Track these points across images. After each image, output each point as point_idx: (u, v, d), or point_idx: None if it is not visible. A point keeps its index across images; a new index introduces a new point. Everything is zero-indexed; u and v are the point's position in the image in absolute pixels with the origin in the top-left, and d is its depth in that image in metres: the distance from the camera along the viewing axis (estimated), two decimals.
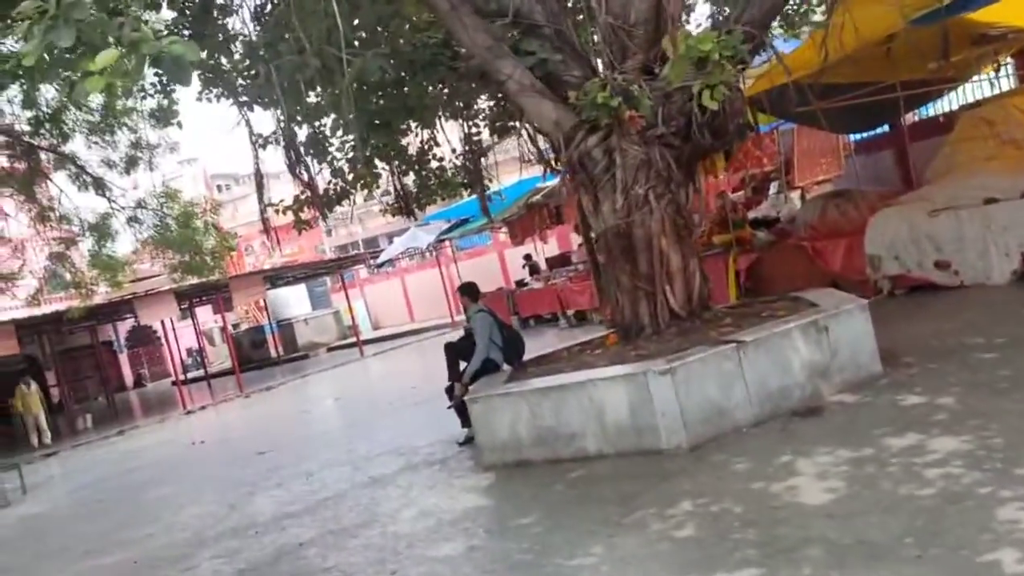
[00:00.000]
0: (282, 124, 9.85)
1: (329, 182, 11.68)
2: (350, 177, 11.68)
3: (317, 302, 32.64)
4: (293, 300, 31.36)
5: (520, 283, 21.08)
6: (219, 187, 60.13)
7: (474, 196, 15.73)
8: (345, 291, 26.57)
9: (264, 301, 30.11)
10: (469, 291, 8.90)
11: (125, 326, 35.80)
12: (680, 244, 7.69)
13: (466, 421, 8.18)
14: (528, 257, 21.61)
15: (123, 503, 10.04)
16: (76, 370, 31.66)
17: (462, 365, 8.49)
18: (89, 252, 14.89)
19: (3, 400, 28.04)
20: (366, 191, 11.69)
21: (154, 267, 28.51)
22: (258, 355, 30.48)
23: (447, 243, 26.63)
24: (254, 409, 17.94)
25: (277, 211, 11.36)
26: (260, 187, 11.17)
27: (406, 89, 9.16)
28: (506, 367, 8.28)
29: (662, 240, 7.63)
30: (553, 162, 10.28)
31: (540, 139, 10.80)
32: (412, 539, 5.74)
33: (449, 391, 8.58)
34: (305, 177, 10.82)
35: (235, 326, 39.20)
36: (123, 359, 36.57)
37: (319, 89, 9.75)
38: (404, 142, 11.17)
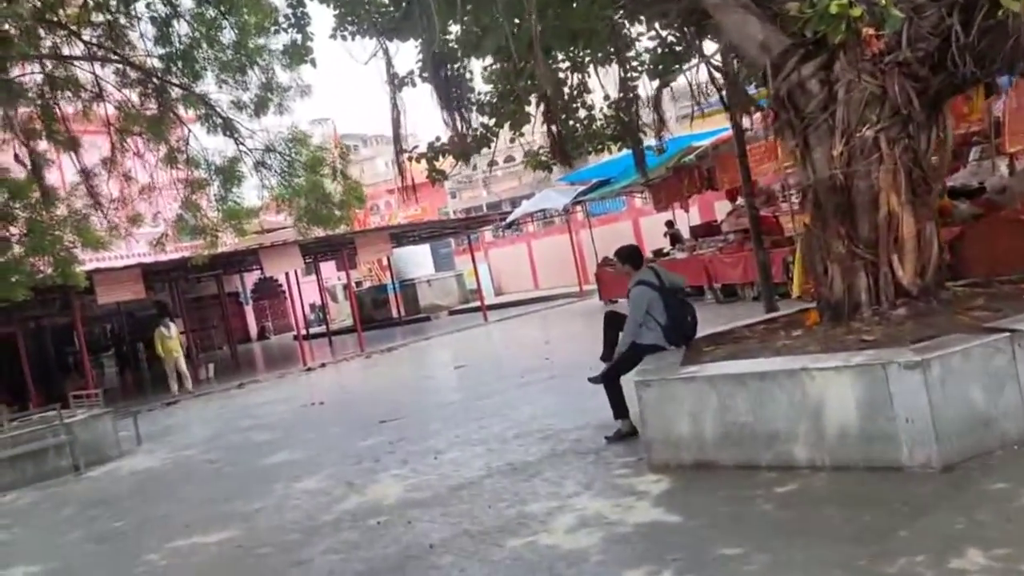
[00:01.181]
0: (431, 50, 8.64)
1: (469, 127, 10.52)
2: (491, 122, 10.51)
3: (441, 264, 31.89)
4: (417, 261, 30.69)
5: (660, 252, 19.48)
6: (347, 147, 60.47)
7: (619, 153, 14.33)
8: (471, 253, 25.60)
9: (388, 260, 29.56)
10: (627, 256, 7.49)
11: (251, 278, 36.15)
12: (915, 204, 6.05)
13: (620, 412, 6.85)
14: (670, 224, 19.97)
15: (235, 466, 9.23)
16: (203, 319, 32.12)
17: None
18: (215, 197, 14.22)
19: (136, 344, 28.69)
20: (512, 133, 10.45)
21: (280, 217, 28.35)
22: (379, 314, 30.04)
23: (577, 208, 25.25)
24: (375, 370, 17.16)
25: (411, 159, 10.31)
26: (396, 128, 10.07)
27: (574, 3, 7.76)
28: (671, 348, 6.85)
29: (891, 197, 6.01)
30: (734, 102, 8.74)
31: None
32: (576, 560, 4.46)
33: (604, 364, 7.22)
34: (448, 115, 9.66)
35: (357, 284, 39.10)
36: (248, 311, 37.00)
37: (467, 15, 8.54)
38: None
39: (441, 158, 10.52)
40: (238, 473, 8.78)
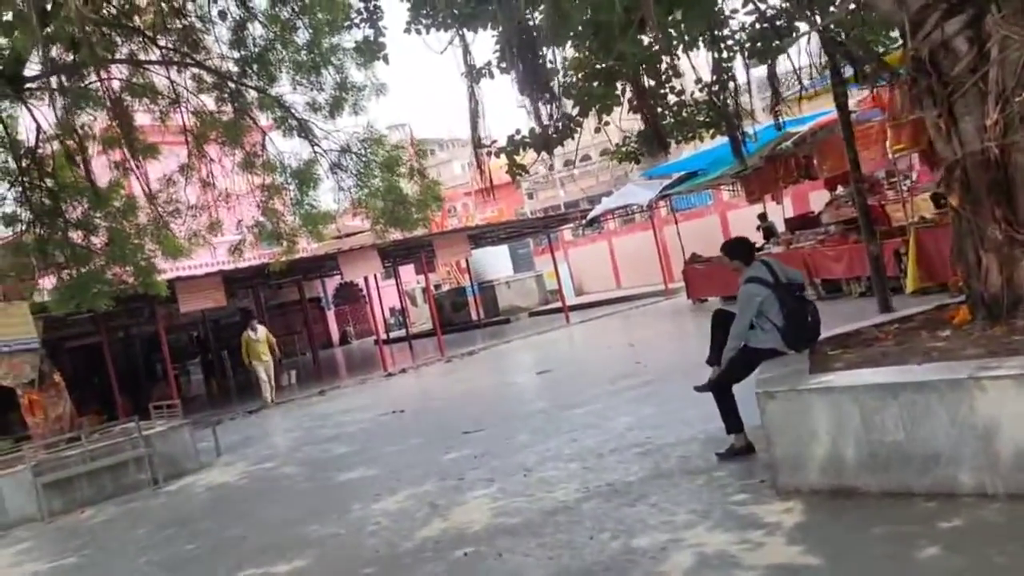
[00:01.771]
0: (511, 36, 8.01)
1: (551, 117, 9.86)
2: (575, 110, 9.83)
3: (519, 265, 31.27)
4: (495, 262, 30.14)
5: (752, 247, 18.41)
6: (424, 149, 60.50)
7: (706, 145, 13.43)
8: (552, 253, 24.91)
9: (467, 262, 29.11)
10: (736, 250, 6.67)
11: (332, 283, 36.24)
12: None
13: (733, 425, 6.05)
14: (763, 217, 18.88)
15: (313, 482, 8.74)
16: (286, 325, 32.26)
17: None
18: (292, 201, 13.90)
19: (222, 352, 28.94)
20: (598, 121, 9.75)
21: (358, 221, 28.20)
22: (459, 317, 29.61)
23: (661, 204, 24.30)
24: (456, 376, 16.63)
25: (490, 154, 9.71)
26: (475, 120, 9.47)
27: None
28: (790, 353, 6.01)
29: None
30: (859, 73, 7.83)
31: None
32: None
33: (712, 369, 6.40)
34: (530, 103, 9.00)
35: (436, 287, 38.86)
36: (330, 316, 37.12)
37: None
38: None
39: (522, 152, 9.88)
40: (316, 490, 8.28)
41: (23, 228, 13.33)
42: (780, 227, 18.44)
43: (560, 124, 9.76)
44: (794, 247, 15.74)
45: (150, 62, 13.10)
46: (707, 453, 6.26)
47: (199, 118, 13.96)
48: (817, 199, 19.80)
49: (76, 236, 13.49)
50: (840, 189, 16.68)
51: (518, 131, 9.65)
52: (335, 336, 36.86)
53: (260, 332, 17.76)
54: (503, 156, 9.71)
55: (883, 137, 13.71)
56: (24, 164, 13.19)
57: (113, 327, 24.60)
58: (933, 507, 4.29)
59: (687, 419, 7.54)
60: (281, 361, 25.81)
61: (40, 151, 13.33)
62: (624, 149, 11.46)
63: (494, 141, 9.93)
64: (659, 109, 10.49)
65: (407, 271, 33.31)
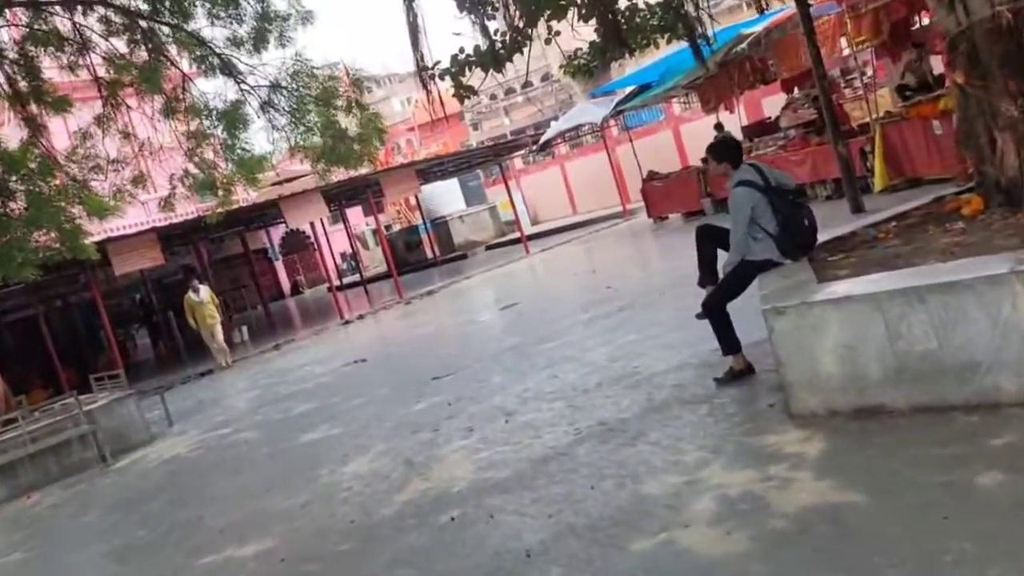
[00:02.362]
0: None
1: (496, 32, 9.09)
2: (522, 22, 9.03)
3: (471, 198, 30.42)
4: (446, 197, 29.27)
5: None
6: (359, 83, 58.48)
7: (656, 55, 12.71)
8: (505, 182, 24.12)
9: (417, 199, 28.24)
10: (723, 152, 6.05)
11: (278, 232, 35.10)
12: None
13: (730, 346, 5.51)
14: (719, 127, 18.23)
15: (274, 447, 8.09)
16: (233, 279, 31.17)
17: (722, 258, 5.76)
18: (222, 146, 12.89)
19: (168, 313, 27.82)
20: (548, 30, 8.96)
21: (298, 165, 27.14)
22: (414, 257, 28.83)
23: (611, 124, 23.58)
24: (417, 318, 15.99)
25: (433, 76, 8.88)
26: (415, 36, 8.65)
27: None
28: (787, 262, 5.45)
29: None
30: None
31: None
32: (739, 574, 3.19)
33: (705, 291, 5.82)
34: (475, 16, 8.23)
35: (387, 228, 37.90)
36: (279, 266, 36.05)
37: None
38: None
39: (468, 72, 9.07)
40: (278, 455, 7.64)
41: None
42: (737, 136, 17.88)
43: (507, 37, 8.98)
44: (755, 155, 15.17)
45: (51, 2, 11.89)
46: (703, 379, 5.72)
47: (111, 64, 12.81)
48: (770, 104, 19.24)
49: None
50: (796, 91, 16.14)
51: (462, 49, 8.85)
52: (286, 287, 35.87)
53: (203, 293, 16.12)
54: (447, 79, 8.93)
55: (838, 31, 13.13)
56: None
57: (49, 296, 23.39)
58: (975, 421, 3.80)
59: (672, 343, 7.02)
60: (231, 318, 24.90)
61: None
62: (576, 63, 10.74)
63: (437, 62, 9.10)
64: (609, 16, 9.75)
65: (355, 214, 32.27)
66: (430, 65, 8.84)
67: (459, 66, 8.82)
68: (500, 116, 55.78)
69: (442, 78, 8.98)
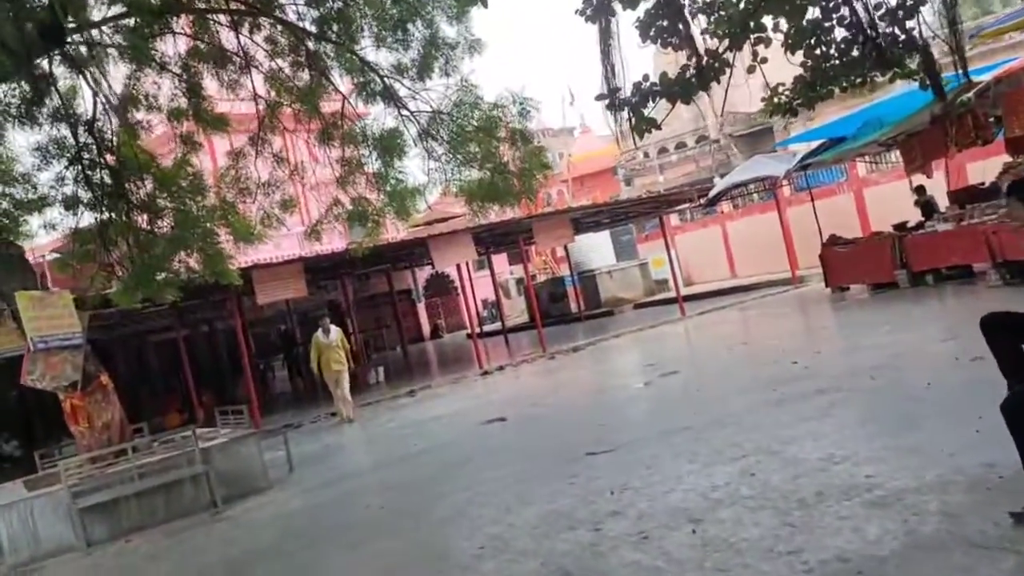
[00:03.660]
0: None
1: (689, 57, 7.78)
2: (722, 46, 7.72)
3: (621, 253, 28.99)
4: (595, 250, 27.94)
5: (903, 226, 15.78)
6: (529, 104, 58.45)
7: (857, 105, 11.04)
8: (665, 236, 22.62)
9: (566, 250, 27.10)
10: None
11: (423, 274, 34.83)
12: None
13: None
14: (921, 191, 16.15)
15: (397, 518, 6.86)
16: (376, 318, 30.93)
17: None
18: (375, 176, 12.11)
19: (309, 347, 27.73)
20: (753, 56, 7.60)
21: (450, 205, 26.64)
22: (556, 309, 27.58)
23: (783, 184, 21.71)
24: (561, 375, 14.64)
25: (614, 106, 7.64)
26: (609, 62, 7.48)
27: None
28: None
29: None
30: None
31: None
32: None
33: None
34: (666, 38, 6.99)
35: (532, 278, 36.99)
36: (421, 308, 35.71)
37: None
38: None
39: (651, 103, 7.79)
40: (400, 533, 6.38)
41: (83, 211, 12.02)
42: (941, 202, 15.75)
43: (704, 62, 7.64)
44: (968, 223, 13.11)
45: (214, 10, 11.51)
46: (987, 509, 4.06)
47: (272, 83, 12.37)
48: (977, 172, 16.93)
49: (140, 220, 12.11)
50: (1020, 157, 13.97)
51: (646, 77, 7.61)
52: (426, 330, 35.43)
53: (333, 334, 14.18)
54: (624, 119, 7.68)
55: None
56: (83, 139, 11.83)
57: (195, 320, 23.59)
58: None
59: (917, 447, 5.35)
60: (371, 357, 24.38)
61: (99, 123, 11.91)
62: (778, 100, 9.27)
63: (617, 89, 7.88)
64: (819, 50, 8.30)
65: (499, 261, 31.49)
66: (615, 92, 7.64)
67: (642, 96, 7.58)
68: (654, 173, 54.43)
69: (622, 110, 7.76)
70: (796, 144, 18.15)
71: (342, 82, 12.67)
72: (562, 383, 13.62)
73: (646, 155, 58.86)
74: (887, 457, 5.31)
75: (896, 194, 19.99)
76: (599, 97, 7.84)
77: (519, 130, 11.41)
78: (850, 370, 8.60)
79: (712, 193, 19.41)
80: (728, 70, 7.85)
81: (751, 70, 8.15)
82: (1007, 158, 15.47)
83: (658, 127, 8.37)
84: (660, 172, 55.06)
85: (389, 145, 11.63)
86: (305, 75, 12.41)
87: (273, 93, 12.41)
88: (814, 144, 16.18)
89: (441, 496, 7.10)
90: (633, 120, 7.98)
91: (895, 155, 19.78)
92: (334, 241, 19.51)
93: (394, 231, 29.88)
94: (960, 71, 8.45)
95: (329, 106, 13.07)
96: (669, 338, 16.74)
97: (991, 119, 13.12)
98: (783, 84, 9.23)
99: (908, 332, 10.46)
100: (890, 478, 4.88)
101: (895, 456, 5.29)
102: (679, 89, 7.59)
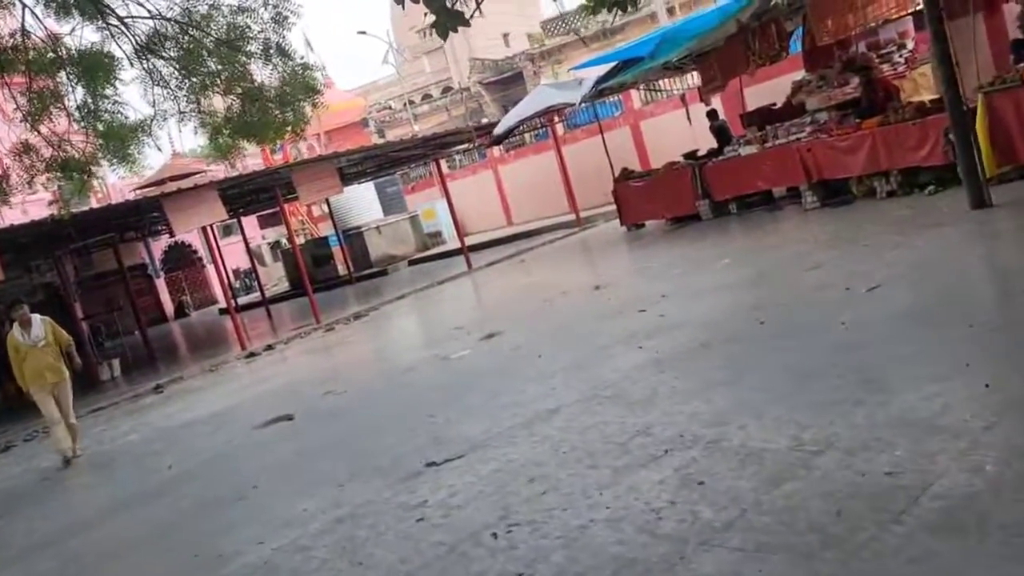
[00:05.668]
0: None
1: None
2: None
3: (389, 206, 26.65)
4: (360, 204, 25.41)
5: (693, 155, 14.93)
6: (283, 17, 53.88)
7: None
8: (443, 183, 20.61)
9: (329, 206, 24.37)
10: None
11: (160, 246, 30.51)
12: None
13: None
14: (714, 115, 15.32)
15: None
16: (107, 300, 26.36)
17: None
18: (81, 110, 8.97)
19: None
20: None
21: (188, 157, 23.17)
22: (323, 273, 24.81)
23: (555, 120, 20.48)
24: (350, 350, 12.30)
25: None
26: None
27: None
28: None
29: None
30: None
31: None
32: None
33: None
34: None
35: (277, 244, 33.72)
36: (160, 285, 31.34)
37: None
38: None
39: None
40: None
41: None
42: (735, 126, 15.03)
43: None
44: (777, 144, 12.26)
45: None
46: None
47: None
48: (754, 96, 16.37)
49: None
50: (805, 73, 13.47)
51: None
52: (169, 309, 31.18)
53: (38, 329, 8.86)
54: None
55: None
56: None
57: None
58: None
59: (905, 415, 3.76)
60: (102, 345, 20.37)
61: None
62: None
63: None
64: None
65: (249, 225, 28.03)
66: None
67: None
68: (406, 125, 52.35)
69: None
70: (586, 70, 16.81)
71: None
72: (354, 361, 11.30)
73: (390, 107, 56.62)
74: (896, 440, 3.67)
75: (672, 126, 19.35)
76: None
77: (275, 42, 8.81)
78: (725, 315, 7.10)
79: (500, 128, 17.57)
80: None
81: None
82: (785, 79, 15.02)
83: (467, 24, 6.35)
84: (415, 121, 53.04)
85: (93, 65, 8.58)
86: None
87: None
88: (604, 69, 14.82)
89: (218, 562, 4.66)
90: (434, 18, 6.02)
91: (673, 82, 19.11)
92: (40, 210, 15.56)
93: (118, 194, 25.31)
94: None
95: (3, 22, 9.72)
96: (465, 295, 14.86)
97: (806, 24, 12.41)
98: None
99: (755, 266, 9.26)
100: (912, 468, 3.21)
101: (911, 442, 3.65)
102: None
